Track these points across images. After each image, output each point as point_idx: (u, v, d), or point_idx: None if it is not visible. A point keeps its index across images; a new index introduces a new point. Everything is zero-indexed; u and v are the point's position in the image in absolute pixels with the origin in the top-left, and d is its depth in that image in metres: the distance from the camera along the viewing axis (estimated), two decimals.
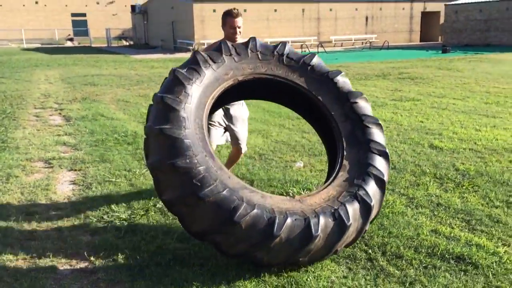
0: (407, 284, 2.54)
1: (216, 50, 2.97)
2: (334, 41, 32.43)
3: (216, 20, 28.60)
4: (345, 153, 2.90)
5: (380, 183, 2.74)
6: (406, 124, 6.81)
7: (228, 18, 3.64)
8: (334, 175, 2.81)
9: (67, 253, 2.98)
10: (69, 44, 42.13)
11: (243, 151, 4.00)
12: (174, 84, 2.67)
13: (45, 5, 48.45)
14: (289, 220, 2.38)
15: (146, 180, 4.34)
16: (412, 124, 6.75)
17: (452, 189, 4.04)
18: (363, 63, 17.88)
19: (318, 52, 25.17)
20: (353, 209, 2.57)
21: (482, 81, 11.67)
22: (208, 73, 2.79)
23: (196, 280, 2.60)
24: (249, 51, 3.07)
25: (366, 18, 34.28)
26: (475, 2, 31.78)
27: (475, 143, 5.60)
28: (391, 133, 6.21)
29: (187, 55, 25.30)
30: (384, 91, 10.30)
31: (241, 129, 3.87)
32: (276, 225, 2.34)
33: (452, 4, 33.37)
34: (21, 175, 4.56)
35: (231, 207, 2.33)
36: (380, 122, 3.06)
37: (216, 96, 2.81)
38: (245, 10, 29.38)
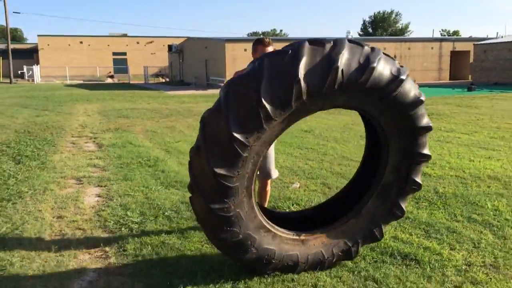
0: (356, 272, 3.09)
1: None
2: None
3: (246, 58, 29.90)
4: (368, 202, 3.08)
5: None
6: None
7: (259, 46, 3.62)
8: (346, 217, 3.09)
9: (88, 245, 3.68)
10: (109, 80, 44.50)
11: (273, 177, 3.90)
12: (230, 155, 2.50)
13: (89, 45, 51.66)
14: (281, 264, 2.92)
15: (160, 194, 5.05)
16: None
17: (424, 207, 4.55)
18: None
19: None
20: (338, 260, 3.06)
21: (497, 117, 12.00)
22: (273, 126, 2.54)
23: (187, 263, 3.23)
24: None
25: (395, 57, 34.83)
26: (504, 42, 31.96)
27: (463, 171, 6.05)
28: None
29: (217, 91, 26.52)
30: None
31: (270, 160, 3.81)
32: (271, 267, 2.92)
33: (481, 44, 33.63)
34: (55, 189, 5.35)
35: (242, 250, 2.81)
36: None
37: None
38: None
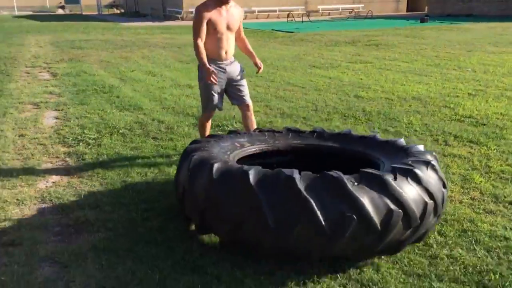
0: None
1: None
2: (322, 10, 33.08)
3: None
4: None
5: None
6: (346, 80, 7.92)
7: None
8: None
9: (49, 156, 4.14)
10: (60, 11, 42.40)
11: (250, 104, 3.91)
12: None
13: None
14: None
15: (114, 116, 5.48)
16: (351, 81, 7.87)
17: (350, 122, 5.21)
18: (340, 31, 18.80)
19: (303, 22, 25.99)
20: None
21: (439, 47, 12.73)
22: None
23: (139, 167, 3.77)
24: None
25: None
26: None
27: (393, 94, 6.74)
28: (329, 87, 7.33)
29: (176, 23, 26.07)
30: (345, 55, 11.34)
31: (244, 87, 3.83)
32: None
33: None
34: (14, 113, 5.68)
35: None
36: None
37: None
38: None
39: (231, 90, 3.82)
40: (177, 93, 6.82)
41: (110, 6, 45.63)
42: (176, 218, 2.88)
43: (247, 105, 3.87)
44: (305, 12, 29.79)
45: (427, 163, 2.51)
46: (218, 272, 2.32)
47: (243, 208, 2.30)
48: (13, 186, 3.48)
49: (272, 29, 20.39)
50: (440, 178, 2.53)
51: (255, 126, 3.88)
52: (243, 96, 3.84)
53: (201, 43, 3.52)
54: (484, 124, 5.04)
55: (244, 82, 3.85)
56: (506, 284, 2.22)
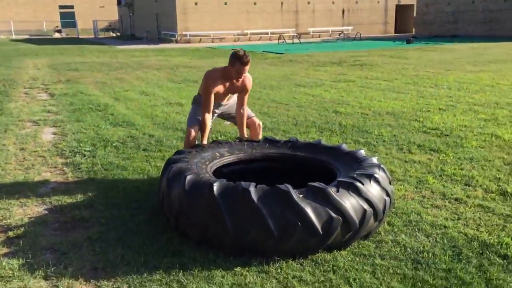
0: None
1: None
2: (312, 32, 34.00)
3: (197, 12, 30.04)
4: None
5: None
6: (328, 98, 8.42)
7: (238, 63, 3.66)
8: None
9: (48, 166, 4.55)
10: (57, 35, 43.21)
11: (258, 123, 4.22)
12: None
13: None
14: None
15: (108, 131, 5.90)
16: (332, 98, 8.37)
17: (326, 134, 5.67)
18: (329, 53, 19.47)
19: (293, 43, 26.75)
20: None
21: (419, 66, 13.33)
22: None
23: (131, 174, 4.19)
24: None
25: (343, 11, 35.86)
26: None
27: (369, 109, 7.22)
28: (310, 103, 7.81)
29: (170, 46, 26.78)
30: (330, 75, 11.90)
31: (249, 112, 4.19)
32: None
33: None
34: (15, 129, 6.10)
35: None
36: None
37: None
38: (225, 3, 30.84)
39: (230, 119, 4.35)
40: (167, 110, 7.28)
41: (106, 29, 46.53)
42: (161, 215, 3.29)
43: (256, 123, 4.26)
44: (296, 34, 30.64)
45: (370, 176, 2.93)
46: (194, 255, 2.72)
47: (208, 214, 2.73)
48: (16, 192, 3.87)
49: (263, 51, 21.06)
50: (383, 188, 2.94)
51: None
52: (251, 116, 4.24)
53: (208, 116, 3.87)
54: (447, 135, 5.51)
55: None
56: (436, 260, 2.63)
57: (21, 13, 48.01)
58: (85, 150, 5.04)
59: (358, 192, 2.78)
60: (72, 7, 51.06)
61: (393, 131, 5.77)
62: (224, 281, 2.47)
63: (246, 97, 4.06)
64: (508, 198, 3.56)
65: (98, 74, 12.52)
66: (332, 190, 2.72)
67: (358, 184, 2.82)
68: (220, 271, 2.56)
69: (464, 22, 31.57)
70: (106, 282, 2.48)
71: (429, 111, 7.03)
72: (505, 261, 2.63)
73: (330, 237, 2.66)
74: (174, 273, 2.54)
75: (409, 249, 2.77)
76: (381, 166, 3.18)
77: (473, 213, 3.30)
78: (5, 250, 2.86)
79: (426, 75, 11.39)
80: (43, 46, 26.13)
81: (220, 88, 3.90)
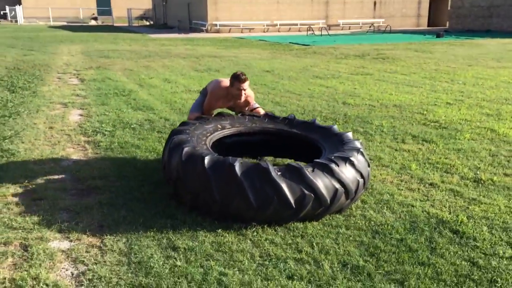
0: None
1: None
2: (342, 24, 33.89)
3: (228, 3, 30.44)
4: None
5: None
6: (341, 90, 8.72)
7: (236, 82, 4.00)
8: None
9: (72, 143, 5.10)
10: (93, 22, 44.54)
11: (262, 113, 4.39)
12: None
13: None
14: None
15: (129, 114, 6.43)
16: (345, 90, 8.66)
17: (330, 123, 6.01)
18: (354, 45, 19.57)
19: (322, 35, 26.84)
20: None
21: (441, 61, 13.37)
22: None
23: (143, 153, 4.68)
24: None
25: (375, 3, 35.52)
26: None
27: (377, 101, 7.50)
28: (322, 94, 8.14)
29: (200, 35, 27.34)
30: (350, 67, 12.13)
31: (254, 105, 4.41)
32: None
33: None
34: (46, 110, 6.71)
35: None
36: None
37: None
38: None
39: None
40: (186, 97, 7.76)
41: (140, 18, 47.61)
42: (164, 186, 3.75)
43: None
44: (325, 26, 30.65)
45: (346, 159, 3.28)
46: (185, 218, 3.18)
47: (199, 184, 3.16)
48: (42, 163, 4.43)
49: (290, 42, 21.31)
50: (358, 170, 3.29)
51: None
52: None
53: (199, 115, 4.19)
54: (445, 127, 5.77)
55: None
56: (393, 231, 3.00)
57: (59, 0, 49.62)
58: (105, 130, 5.57)
59: (332, 173, 3.15)
60: None
61: (394, 123, 6.07)
62: (206, 239, 2.91)
63: (253, 105, 4.39)
64: (480, 184, 3.86)
65: (127, 61, 13.14)
66: (308, 170, 3.11)
67: (333, 165, 3.18)
68: (204, 231, 3.01)
69: (499, 16, 30.79)
70: (109, 236, 2.96)
71: (436, 104, 7.26)
72: (454, 235, 2.97)
73: (302, 211, 3.05)
74: (165, 232, 3.00)
75: (372, 222, 3.14)
76: (360, 149, 3.53)
77: (443, 196, 3.62)
78: (28, 209, 3.38)
79: (446, 70, 11.48)
80: (78, 33, 27.16)
81: (222, 106, 4.31)
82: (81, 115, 6.51)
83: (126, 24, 41.66)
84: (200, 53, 15.76)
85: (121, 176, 4.04)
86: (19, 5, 45.48)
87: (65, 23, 41.73)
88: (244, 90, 4.03)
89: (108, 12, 46.21)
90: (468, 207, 3.40)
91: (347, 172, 3.23)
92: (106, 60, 13.40)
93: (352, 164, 3.30)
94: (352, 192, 3.23)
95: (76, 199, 3.58)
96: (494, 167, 4.29)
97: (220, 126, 4.02)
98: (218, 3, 30.38)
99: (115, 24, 41.07)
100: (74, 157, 4.66)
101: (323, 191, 3.07)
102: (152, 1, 45.56)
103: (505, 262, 2.65)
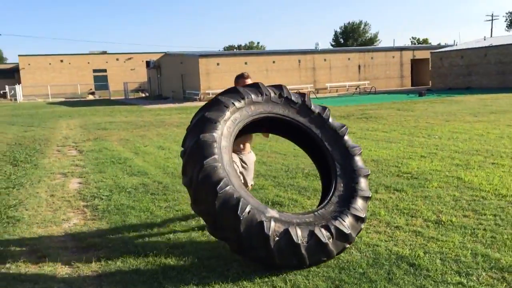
0: None
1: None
2: (329, 87, 35.40)
3: (219, 73, 31.94)
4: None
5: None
6: None
7: (241, 79, 4.51)
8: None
9: (72, 208, 5.54)
10: (90, 97, 46.12)
11: (250, 185, 4.76)
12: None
13: (69, 63, 53.15)
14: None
15: (124, 180, 6.91)
16: None
17: (310, 179, 6.50)
18: (341, 107, 20.51)
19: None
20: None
21: (422, 118, 14.13)
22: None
23: (137, 213, 5.11)
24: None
25: (359, 66, 37.33)
26: (457, 49, 34.61)
27: None
28: (298, 151, 8.68)
29: (193, 104, 28.45)
30: None
31: (250, 172, 4.70)
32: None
33: (438, 52, 36.27)
34: (47, 180, 7.19)
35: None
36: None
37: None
38: (246, 63, 32.72)
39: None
40: (178, 162, 8.28)
41: (136, 90, 49.40)
42: (157, 237, 4.15)
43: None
44: (313, 89, 32.03)
45: (360, 219, 3.73)
46: (174, 265, 3.58)
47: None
48: (46, 226, 4.85)
49: None
50: (362, 221, 3.71)
51: None
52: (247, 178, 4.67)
53: None
54: (416, 178, 6.27)
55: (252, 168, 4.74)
56: (357, 267, 3.40)
57: (57, 77, 51.65)
58: (103, 195, 6.03)
59: (347, 240, 3.51)
60: (105, 70, 54.67)
61: (370, 176, 6.56)
62: (192, 281, 3.30)
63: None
64: (440, 226, 4.30)
65: (123, 132, 13.82)
66: (329, 242, 3.39)
67: (351, 234, 3.53)
68: (191, 275, 3.40)
69: (478, 74, 32.36)
70: (106, 285, 3.35)
71: (410, 158, 7.80)
72: (411, 267, 3.37)
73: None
74: (156, 277, 3.40)
75: (340, 260, 3.55)
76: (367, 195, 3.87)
77: (405, 236, 4.05)
78: (34, 264, 3.77)
79: (424, 126, 12.17)
80: (76, 108, 28.22)
81: None
82: (80, 183, 6.99)
83: (123, 97, 43.17)
84: None
85: (116, 234, 4.45)
86: (19, 84, 47.26)
87: (63, 99, 43.17)
88: None
89: (105, 87, 48.00)
90: (426, 244, 3.82)
91: (356, 230, 3.62)
92: (103, 131, 14.08)
93: (362, 221, 3.70)
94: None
95: (77, 255, 3.98)
96: (455, 210, 4.74)
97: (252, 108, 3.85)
98: (210, 74, 31.88)
99: (112, 98, 42.56)
100: (74, 220, 5.08)
101: (334, 254, 3.45)
102: (147, 74, 47.51)
103: (451, 287, 3.05)
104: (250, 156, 4.71)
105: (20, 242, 4.33)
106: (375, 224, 4.42)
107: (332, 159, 4.02)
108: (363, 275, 3.26)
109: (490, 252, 3.57)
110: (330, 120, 4.20)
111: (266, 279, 3.29)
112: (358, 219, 3.66)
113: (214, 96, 3.87)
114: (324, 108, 4.24)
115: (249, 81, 4.48)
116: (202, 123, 3.57)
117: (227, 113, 3.64)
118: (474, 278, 3.16)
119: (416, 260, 3.49)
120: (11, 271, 3.64)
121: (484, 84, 31.53)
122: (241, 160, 4.58)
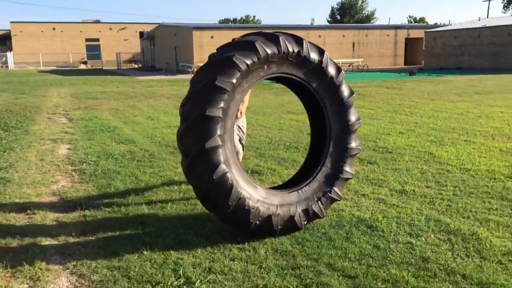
0: None
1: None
2: None
3: (213, 46, 31.82)
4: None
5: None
6: (307, 123, 9.54)
7: None
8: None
9: (60, 171, 5.81)
10: (82, 66, 45.77)
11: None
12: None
13: (62, 31, 52.53)
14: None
15: (112, 147, 7.17)
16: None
17: (292, 151, 6.80)
18: None
19: None
20: None
21: (407, 96, 14.42)
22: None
23: (122, 178, 5.40)
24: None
25: (353, 44, 37.33)
26: (451, 29, 34.68)
27: None
28: (290, 127, 8.98)
29: (186, 76, 28.47)
30: None
31: (245, 135, 4.84)
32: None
33: (431, 31, 36.32)
34: (37, 145, 7.43)
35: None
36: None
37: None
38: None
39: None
40: (166, 132, 8.55)
41: (129, 61, 49.07)
42: (136, 198, 4.45)
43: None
44: None
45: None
46: (153, 221, 3.88)
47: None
48: (35, 187, 5.12)
49: (271, 81, 22.41)
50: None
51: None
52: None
53: None
54: (390, 152, 6.59)
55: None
56: (319, 228, 3.73)
57: (49, 45, 51.11)
58: (90, 160, 6.29)
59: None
60: (97, 40, 54.13)
61: None
62: (170, 235, 3.62)
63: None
64: (403, 194, 4.63)
65: (114, 102, 13.99)
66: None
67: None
68: (170, 225, 3.71)
69: (470, 55, 32.57)
70: (90, 238, 3.65)
71: (389, 134, 8.12)
72: (368, 229, 3.71)
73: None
74: (136, 231, 3.70)
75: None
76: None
77: (369, 203, 4.38)
78: (23, 221, 4.06)
79: (409, 104, 12.46)
80: (68, 76, 28.16)
81: None
82: (69, 148, 7.24)
83: (115, 67, 42.94)
84: (184, 93, 16.65)
85: (101, 195, 4.74)
86: (10, 51, 46.75)
87: (55, 68, 42.88)
88: None
89: (98, 56, 47.62)
90: (387, 210, 4.16)
91: (328, 207, 3.81)
92: (94, 101, 14.24)
93: (336, 200, 3.86)
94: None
95: (64, 213, 4.27)
96: (420, 181, 5.07)
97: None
98: (204, 46, 31.78)
99: (104, 68, 42.32)
100: (62, 182, 5.36)
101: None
102: (140, 44, 47.14)
103: (401, 245, 3.39)
104: (244, 120, 4.83)
105: (11, 201, 4.61)
106: (344, 192, 4.74)
107: (330, 132, 3.87)
108: (324, 235, 3.59)
109: (442, 218, 3.91)
110: (343, 86, 3.89)
111: (237, 236, 3.61)
112: (334, 200, 3.82)
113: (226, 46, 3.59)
114: (339, 71, 3.89)
115: None
116: (211, 91, 3.31)
117: (239, 77, 3.34)
118: (423, 239, 3.50)
119: (374, 223, 3.82)
120: (1, 225, 3.93)
121: (476, 64, 31.77)
122: (239, 127, 4.67)
